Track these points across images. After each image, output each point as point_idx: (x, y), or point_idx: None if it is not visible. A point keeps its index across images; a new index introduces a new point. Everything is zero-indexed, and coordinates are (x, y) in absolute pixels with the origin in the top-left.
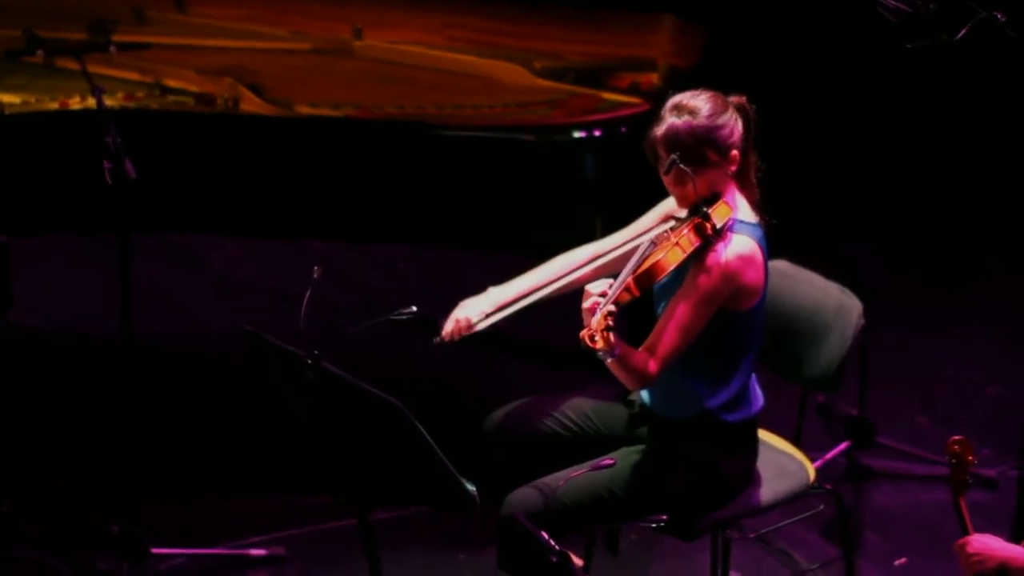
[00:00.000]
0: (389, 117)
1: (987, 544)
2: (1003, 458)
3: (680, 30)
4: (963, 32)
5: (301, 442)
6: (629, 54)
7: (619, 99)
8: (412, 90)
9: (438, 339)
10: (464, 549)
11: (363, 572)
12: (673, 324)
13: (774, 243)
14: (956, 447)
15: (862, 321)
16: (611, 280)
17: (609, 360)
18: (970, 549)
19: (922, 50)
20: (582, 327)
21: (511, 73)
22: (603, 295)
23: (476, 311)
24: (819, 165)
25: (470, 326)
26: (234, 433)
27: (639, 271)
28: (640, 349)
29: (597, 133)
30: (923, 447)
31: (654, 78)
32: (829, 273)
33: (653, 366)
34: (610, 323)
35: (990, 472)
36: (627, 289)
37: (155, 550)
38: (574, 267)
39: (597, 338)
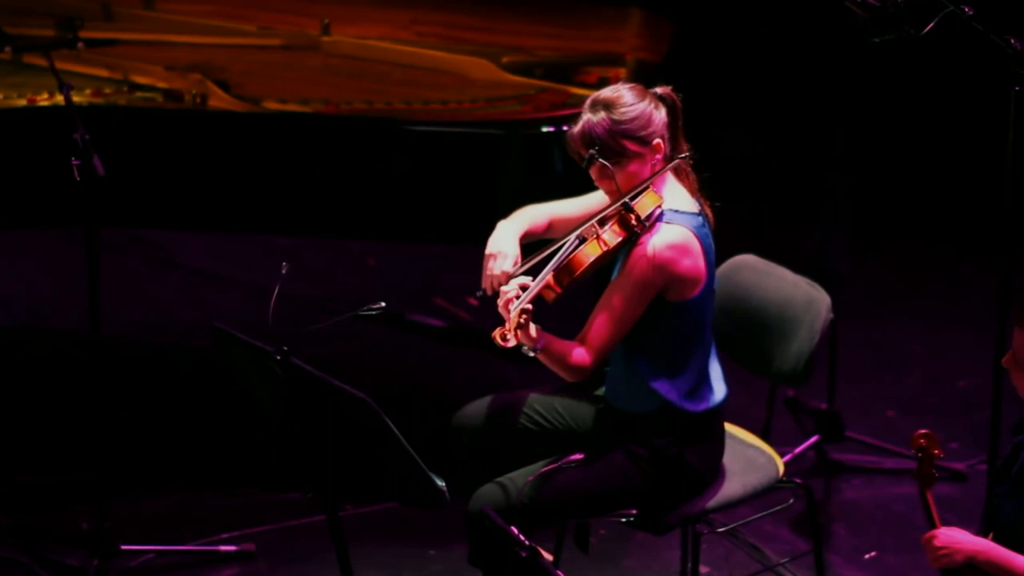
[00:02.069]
0: (358, 113)
1: (954, 538)
2: (973, 451)
3: (648, 24)
4: (930, 26)
5: (272, 438)
6: (597, 49)
7: (588, 94)
8: (380, 86)
9: (480, 293)
10: (434, 544)
11: (333, 568)
12: (604, 315)
13: (743, 233)
14: (922, 440)
15: (831, 315)
16: (529, 278)
17: (534, 354)
18: (937, 543)
19: (890, 43)
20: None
21: (479, 68)
22: (523, 288)
23: (508, 263)
24: (791, 157)
25: (509, 277)
26: (204, 429)
27: (559, 266)
28: (573, 340)
29: (566, 128)
30: (892, 441)
31: (622, 72)
32: (799, 266)
33: (586, 357)
34: (522, 321)
35: (960, 466)
36: (548, 286)
37: (124, 547)
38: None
39: (509, 336)
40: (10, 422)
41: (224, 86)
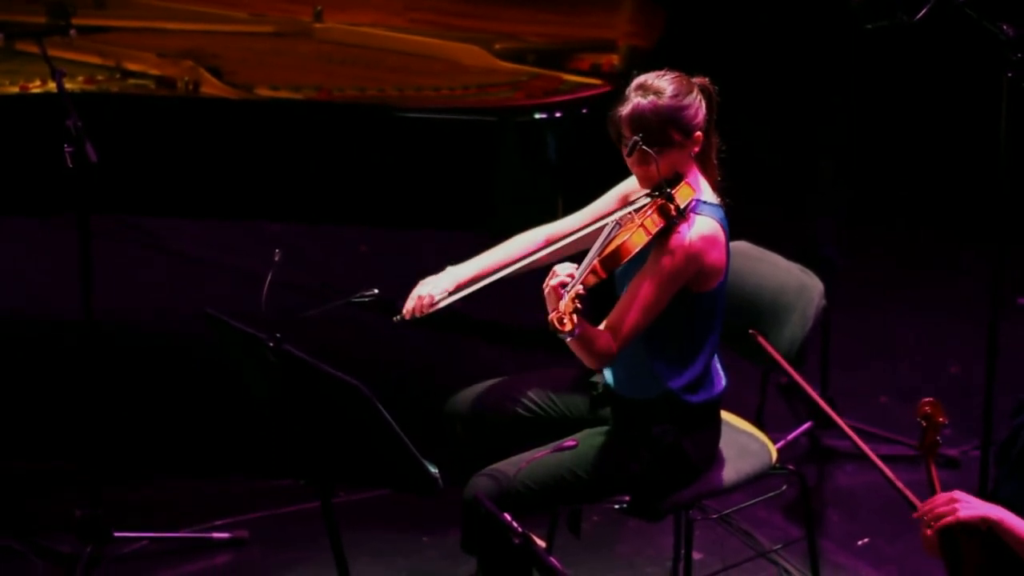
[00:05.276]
0: (350, 100)
1: (971, 496)
2: (966, 437)
3: (640, 11)
4: (923, 12)
5: (265, 425)
6: (589, 35)
7: (580, 80)
8: (373, 72)
9: (398, 317)
10: (427, 531)
11: (326, 554)
12: (636, 304)
13: (737, 221)
14: (927, 408)
15: (823, 301)
16: (575, 264)
17: (570, 340)
18: (956, 494)
19: (883, 30)
20: (543, 308)
21: (472, 55)
22: (570, 277)
23: (438, 289)
24: (783, 144)
25: (432, 303)
26: (196, 416)
27: (604, 253)
28: (601, 328)
29: (558, 114)
30: (885, 427)
31: (615, 59)
32: (791, 252)
33: (613, 345)
34: (578, 305)
35: (953, 452)
36: (593, 271)
37: (118, 533)
38: (531, 250)
39: (566, 320)
40: (3, 409)
41: (216, 73)
